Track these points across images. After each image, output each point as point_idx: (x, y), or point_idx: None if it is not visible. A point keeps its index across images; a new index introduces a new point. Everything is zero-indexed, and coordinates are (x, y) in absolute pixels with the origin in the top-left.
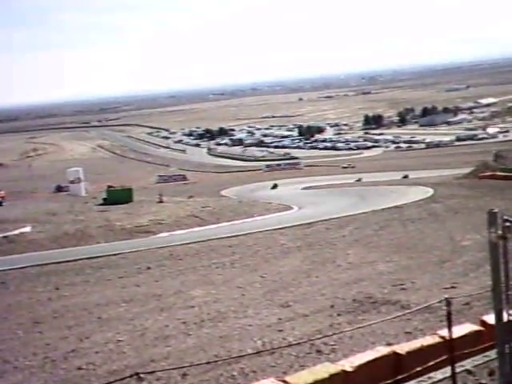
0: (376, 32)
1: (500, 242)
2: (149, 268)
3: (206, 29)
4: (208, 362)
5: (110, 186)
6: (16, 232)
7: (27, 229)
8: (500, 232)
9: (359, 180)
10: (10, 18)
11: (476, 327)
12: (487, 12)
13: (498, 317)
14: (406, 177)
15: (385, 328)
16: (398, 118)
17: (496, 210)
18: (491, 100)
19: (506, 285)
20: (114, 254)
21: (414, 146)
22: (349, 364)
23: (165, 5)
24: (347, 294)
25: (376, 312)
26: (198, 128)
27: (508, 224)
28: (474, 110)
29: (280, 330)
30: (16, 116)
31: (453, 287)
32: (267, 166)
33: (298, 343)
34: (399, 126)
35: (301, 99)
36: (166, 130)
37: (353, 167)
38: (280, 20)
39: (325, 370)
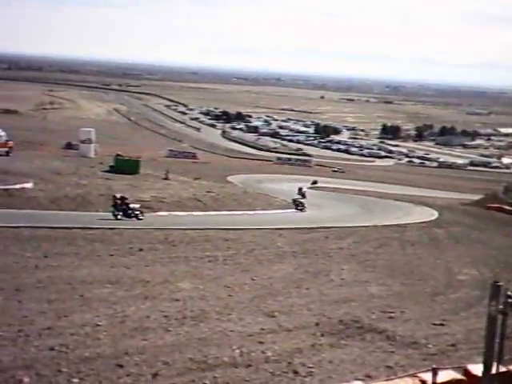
0: (409, 44)
1: (499, 317)
2: (141, 250)
3: (243, 12)
4: None
5: (118, 155)
6: (17, 186)
7: (29, 185)
8: (501, 307)
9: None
10: None
11: (458, 376)
12: None
13: None
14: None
15: (366, 357)
16: (415, 132)
17: (500, 283)
18: (511, 130)
19: (498, 360)
20: (110, 228)
21: (427, 163)
22: None
23: None
24: (334, 313)
25: (360, 339)
26: (215, 109)
27: (511, 300)
28: (492, 138)
29: (261, 342)
30: (39, 66)
31: (442, 324)
32: (278, 158)
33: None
34: (415, 141)
35: (322, 97)
36: (185, 106)
37: (342, 172)
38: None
39: None
